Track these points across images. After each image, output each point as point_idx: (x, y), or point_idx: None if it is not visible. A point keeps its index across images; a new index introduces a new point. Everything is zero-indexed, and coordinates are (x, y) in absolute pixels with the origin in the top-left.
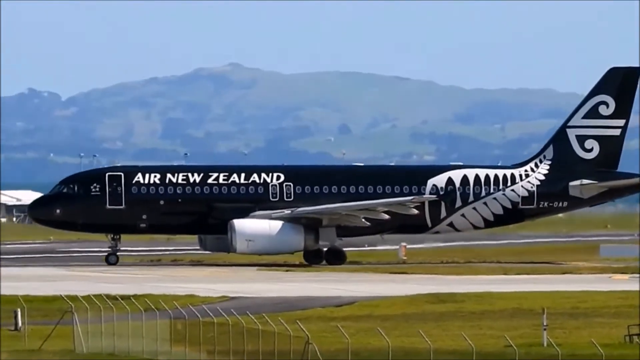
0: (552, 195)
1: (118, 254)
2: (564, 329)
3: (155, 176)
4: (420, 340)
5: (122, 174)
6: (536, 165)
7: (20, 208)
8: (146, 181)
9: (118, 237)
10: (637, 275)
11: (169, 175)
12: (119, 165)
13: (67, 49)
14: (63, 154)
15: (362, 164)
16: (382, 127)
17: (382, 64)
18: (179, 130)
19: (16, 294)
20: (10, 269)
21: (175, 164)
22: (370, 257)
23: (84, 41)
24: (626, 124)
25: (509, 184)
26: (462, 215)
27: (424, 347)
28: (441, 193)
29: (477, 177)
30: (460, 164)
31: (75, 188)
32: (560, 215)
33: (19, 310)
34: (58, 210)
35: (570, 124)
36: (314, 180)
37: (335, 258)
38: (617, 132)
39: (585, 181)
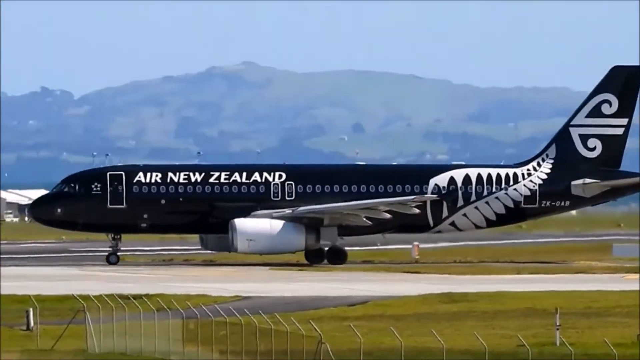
0: (554, 195)
1: (119, 253)
2: (577, 329)
3: (156, 175)
4: (432, 340)
5: (123, 173)
6: (538, 164)
7: None
8: (147, 180)
9: (119, 236)
10: None
11: (170, 175)
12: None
13: (80, 47)
14: (76, 152)
15: (363, 163)
16: (396, 126)
17: (396, 63)
18: (192, 129)
19: (28, 294)
20: (22, 268)
21: (188, 163)
22: (383, 256)
23: (97, 39)
24: (629, 122)
25: (511, 183)
26: (464, 214)
27: (437, 347)
28: (443, 192)
29: (479, 176)
30: (462, 163)
31: (76, 187)
32: (573, 213)
33: (31, 310)
34: (59, 210)
35: (573, 122)
36: (315, 180)
37: (337, 257)
38: (620, 131)
39: (587, 180)
